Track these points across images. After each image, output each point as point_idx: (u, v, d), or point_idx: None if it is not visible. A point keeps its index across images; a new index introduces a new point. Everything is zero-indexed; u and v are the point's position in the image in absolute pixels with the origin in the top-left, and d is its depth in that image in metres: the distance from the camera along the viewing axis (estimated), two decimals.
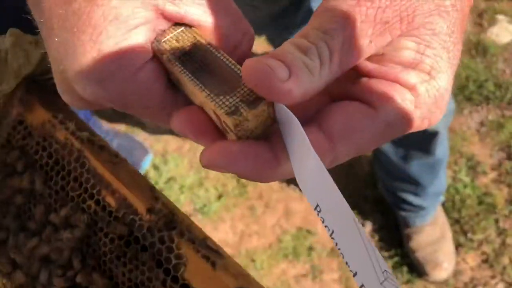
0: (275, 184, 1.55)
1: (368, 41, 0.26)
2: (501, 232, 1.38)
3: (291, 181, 1.53)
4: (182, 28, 0.29)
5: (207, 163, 0.26)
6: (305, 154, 0.24)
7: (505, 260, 1.36)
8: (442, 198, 1.32)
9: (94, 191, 0.38)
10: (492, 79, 1.51)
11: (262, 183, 1.56)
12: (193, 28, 0.29)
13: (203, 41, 0.28)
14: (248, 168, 0.26)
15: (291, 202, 1.53)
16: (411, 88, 0.27)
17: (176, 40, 0.28)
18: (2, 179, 0.41)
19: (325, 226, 0.24)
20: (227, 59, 0.28)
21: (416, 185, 1.19)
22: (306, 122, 0.28)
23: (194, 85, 0.27)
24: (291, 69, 0.25)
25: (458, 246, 1.38)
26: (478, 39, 1.57)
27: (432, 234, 1.34)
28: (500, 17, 1.59)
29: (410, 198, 1.25)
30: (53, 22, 0.27)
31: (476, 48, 1.56)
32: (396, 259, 1.39)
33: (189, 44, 0.28)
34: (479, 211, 1.40)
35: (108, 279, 0.37)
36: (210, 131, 0.27)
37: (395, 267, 1.38)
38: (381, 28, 0.26)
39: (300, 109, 0.28)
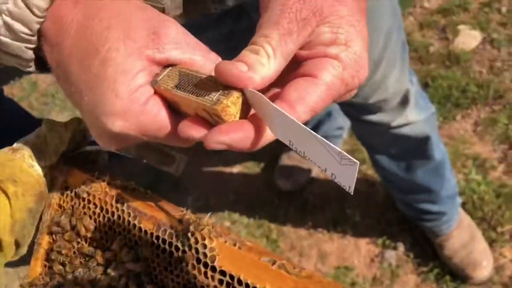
0: (303, 232, 1.61)
1: (296, 36, 0.38)
2: None
3: (318, 224, 1.59)
4: (170, 67, 0.40)
5: (208, 144, 0.36)
6: (272, 111, 0.35)
7: None
8: (459, 200, 1.37)
9: (135, 222, 0.47)
10: (472, 82, 1.61)
11: (291, 234, 1.62)
12: (177, 65, 0.40)
13: (186, 71, 0.39)
14: (238, 137, 0.35)
15: (322, 245, 1.58)
16: (336, 57, 0.38)
17: (168, 77, 0.40)
18: (60, 237, 0.51)
19: (299, 152, 0.34)
20: (205, 75, 0.39)
21: (428, 192, 1.25)
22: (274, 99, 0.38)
23: (186, 96, 0.37)
24: (249, 65, 0.36)
25: (491, 242, 1.41)
26: (448, 51, 1.69)
27: (462, 237, 1.37)
28: (462, 27, 1.72)
29: (428, 207, 1.30)
30: (81, 88, 0.39)
31: (448, 59, 1.68)
32: (436, 271, 1.41)
33: (177, 76, 0.39)
34: (499, 204, 1.45)
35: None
36: (207, 128, 0.37)
37: (438, 278, 1.41)
38: (302, 24, 0.38)
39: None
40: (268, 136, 0.37)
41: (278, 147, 1.67)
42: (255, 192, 1.70)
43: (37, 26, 0.40)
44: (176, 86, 0.38)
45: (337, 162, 0.30)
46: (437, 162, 1.18)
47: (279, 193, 1.68)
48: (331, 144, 0.31)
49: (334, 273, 1.52)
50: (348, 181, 0.30)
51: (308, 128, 0.32)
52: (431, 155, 1.15)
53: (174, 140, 0.40)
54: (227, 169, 1.77)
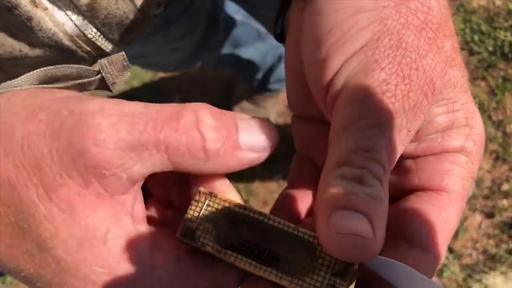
0: (273, 185, 1.51)
1: (406, 131, 0.24)
2: (498, 125, 1.38)
3: (287, 173, 1.49)
4: (207, 202, 0.25)
5: None
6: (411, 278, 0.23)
7: None
8: None
9: None
10: None
11: (261, 190, 1.51)
12: (216, 195, 0.25)
13: (235, 209, 0.24)
14: None
15: None
16: (461, 150, 0.26)
17: (208, 220, 0.24)
18: None
19: None
20: (279, 222, 0.24)
21: None
22: (391, 238, 0.26)
23: (266, 274, 0.23)
24: (368, 216, 0.22)
25: None
26: None
27: None
28: None
29: None
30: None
31: None
32: None
33: (222, 219, 0.24)
34: None
35: None
36: None
37: None
38: (412, 113, 0.24)
39: None
40: None
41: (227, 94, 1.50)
42: None
43: None
44: (227, 236, 0.24)
45: None
46: None
47: None
48: None
49: None
50: None
51: None
52: None
53: None
54: None
